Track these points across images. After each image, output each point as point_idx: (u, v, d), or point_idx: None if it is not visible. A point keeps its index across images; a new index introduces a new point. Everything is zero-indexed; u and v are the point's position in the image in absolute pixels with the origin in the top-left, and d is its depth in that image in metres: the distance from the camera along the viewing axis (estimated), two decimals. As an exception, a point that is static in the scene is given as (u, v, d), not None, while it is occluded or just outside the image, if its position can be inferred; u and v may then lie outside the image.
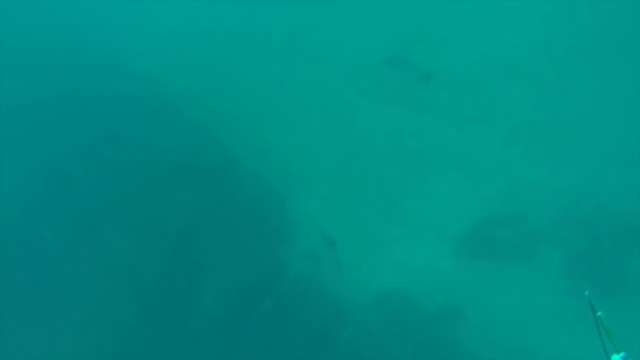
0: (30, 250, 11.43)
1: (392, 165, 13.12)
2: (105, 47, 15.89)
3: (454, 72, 14.42)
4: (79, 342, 10.09)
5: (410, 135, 13.61)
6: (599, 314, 4.48)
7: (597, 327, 4.46)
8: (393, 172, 12.99)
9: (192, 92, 14.93)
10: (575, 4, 14.53)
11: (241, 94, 15.02)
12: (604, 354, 4.38)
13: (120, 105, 14.12)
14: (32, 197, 12.21)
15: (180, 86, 14.97)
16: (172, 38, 16.43)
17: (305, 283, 11.17)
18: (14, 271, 11.10)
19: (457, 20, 15.26)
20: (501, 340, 9.91)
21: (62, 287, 10.76)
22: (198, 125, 13.98)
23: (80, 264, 10.96)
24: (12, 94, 14.09)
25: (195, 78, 15.38)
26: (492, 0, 15.35)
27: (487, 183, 11.94)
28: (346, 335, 10.28)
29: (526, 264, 10.56)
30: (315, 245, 11.69)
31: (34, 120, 13.63)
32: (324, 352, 10.05)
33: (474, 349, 9.94)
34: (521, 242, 10.87)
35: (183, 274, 11.09)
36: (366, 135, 13.97)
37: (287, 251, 11.78)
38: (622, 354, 4.26)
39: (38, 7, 16.55)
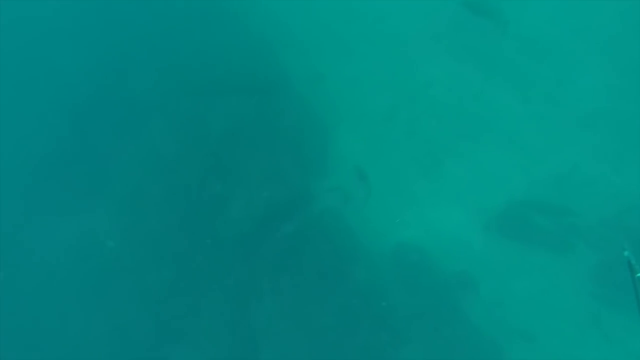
0: (79, 130, 11.29)
1: (445, 122, 11.93)
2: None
3: (538, 36, 12.51)
4: (110, 224, 10.20)
5: (472, 96, 12.21)
6: (638, 274, 4.37)
7: (634, 289, 4.35)
8: (444, 129, 11.85)
9: (258, 3, 13.64)
10: None
11: (307, 15, 13.68)
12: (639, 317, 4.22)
13: (182, 4, 12.99)
14: (85, 83, 11.76)
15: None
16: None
17: (330, 217, 10.73)
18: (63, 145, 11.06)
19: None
20: (505, 322, 9.42)
21: (101, 167, 10.71)
22: (257, 38, 12.90)
23: (121, 152, 10.77)
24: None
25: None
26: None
27: (541, 165, 10.73)
28: (357, 277, 9.97)
29: (556, 257, 9.70)
30: (349, 183, 11.10)
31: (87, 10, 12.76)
32: (332, 287, 9.83)
33: (476, 322, 9.50)
34: (558, 234, 9.89)
35: (216, 181, 10.80)
36: (426, 85, 12.65)
37: (319, 182, 11.25)
38: None
39: None
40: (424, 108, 12.33)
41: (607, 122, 11.00)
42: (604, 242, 9.55)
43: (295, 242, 10.38)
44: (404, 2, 13.82)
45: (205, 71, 12.01)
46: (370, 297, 10.02)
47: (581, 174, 10.45)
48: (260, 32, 13.32)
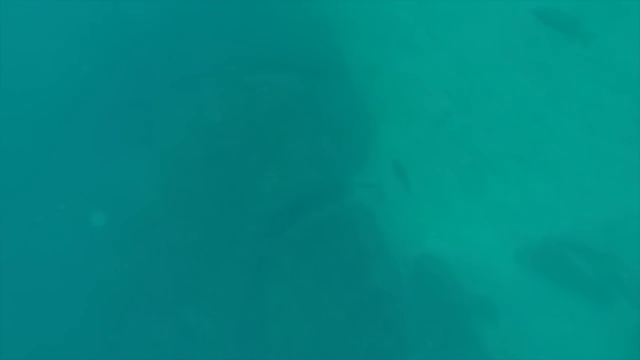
0: (135, 82, 10.68)
1: (497, 138, 10.57)
2: None
3: (621, 65, 10.66)
4: (148, 176, 9.70)
5: (532, 116, 10.71)
6: None
7: None
8: (494, 145, 10.51)
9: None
10: None
11: (374, 3, 12.28)
12: None
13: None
14: (148, 40, 10.93)
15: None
16: None
17: (360, 213, 9.85)
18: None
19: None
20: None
21: (149, 119, 10.13)
22: (319, 19, 11.75)
23: (170, 109, 10.14)
24: None
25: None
26: None
27: (593, 205, 9.30)
28: (375, 278, 9.09)
29: (591, 306, 8.45)
30: (386, 182, 10.12)
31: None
32: (349, 282, 9.03)
33: (489, 352, 8.54)
34: (598, 283, 8.59)
35: (255, 154, 10.03)
36: (484, 96, 11.22)
37: (355, 175, 10.34)
38: None
39: None
40: (477, 119, 10.96)
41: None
42: (650, 302, 8.17)
43: (321, 230, 9.58)
44: (475, 5, 12.18)
45: (263, 45, 11.06)
46: (384, 300, 9.18)
47: (638, 223, 8.93)
48: (323, 13, 12.17)
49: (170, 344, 8.32)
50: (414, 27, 12.20)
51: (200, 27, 11.24)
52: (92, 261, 8.77)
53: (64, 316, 8.36)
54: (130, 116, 10.12)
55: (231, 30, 11.29)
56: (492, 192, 9.97)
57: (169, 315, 8.69)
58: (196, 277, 9.17)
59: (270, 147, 10.47)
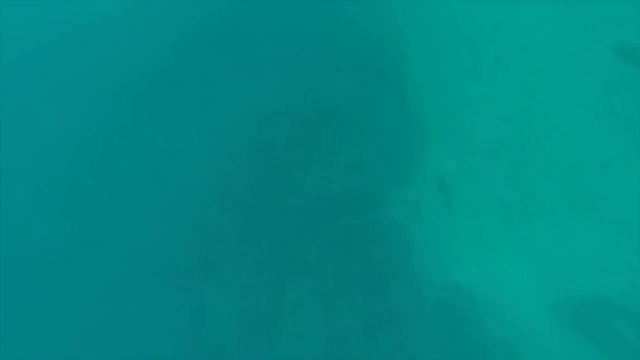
0: (201, 62, 10.85)
1: (553, 179, 9.65)
2: None
3: None
4: (194, 147, 9.75)
5: (597, 164, 9.66)
6: None
7: None
8: (549, 189, 9.59)
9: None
10: None
11: (449, 22, 11.69)
12: None
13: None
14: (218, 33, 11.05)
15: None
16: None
17: (394, 228, 9.37)
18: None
19: None
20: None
21: (205, 97, 10.19)
22: (392, 29, 11.30)
23: (227, 90, 10.13)
24: None
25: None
26: None
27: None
28: (398, 296, 8.55)
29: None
30: (425, 203, 9.52)
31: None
32: (371, 294, 8.57)
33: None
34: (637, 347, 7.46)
35: (302, 150, 9.80)
36: (546, 132, 10.29)
37: (396, 189, 9.83)
38: None
39: None
40: (534, 157, 10.06)
41: None
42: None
43: (352, 237, 9.19)
44: (550, 36, 11.21)
45: (328, 45, 10.81)
46: (402, 320, 8.61)
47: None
48: (394, 23, 11.74)
49: (185, 317, 8.27)
50: (484, 52, 11.47)
51: (271, 19, 11.17)
52: (123, 228, 8.94)
53: (90, 282, 8.60)
54: (189, 93, 10.22)
55: (300, 26, 11.12)
56: (537, 236, 9.06)
57: (189, 289, 8.64)
58: (222, 257, 9.06)
59: (316, 145, 10.18)
